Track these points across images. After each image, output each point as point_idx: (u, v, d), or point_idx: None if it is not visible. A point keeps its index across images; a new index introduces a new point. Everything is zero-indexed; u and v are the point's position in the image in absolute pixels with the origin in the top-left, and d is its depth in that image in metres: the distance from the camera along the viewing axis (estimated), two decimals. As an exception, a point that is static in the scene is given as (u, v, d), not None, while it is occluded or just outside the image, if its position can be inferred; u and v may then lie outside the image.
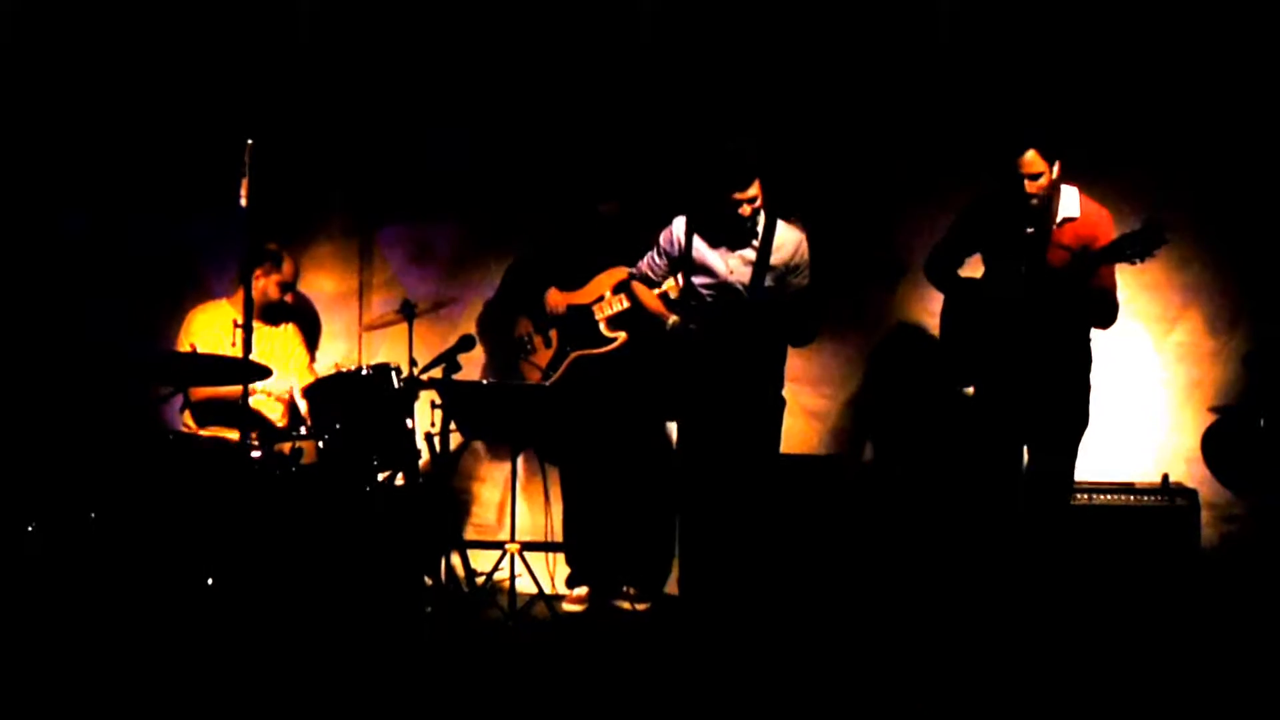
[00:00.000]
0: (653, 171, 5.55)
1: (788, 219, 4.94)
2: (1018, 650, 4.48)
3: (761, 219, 4.91)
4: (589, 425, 5.42)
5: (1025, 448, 4.75)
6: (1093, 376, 4.71)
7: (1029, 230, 4.62)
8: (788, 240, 4.92)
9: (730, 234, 4.91)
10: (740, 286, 4.93)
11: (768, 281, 4.90)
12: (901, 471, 5.52)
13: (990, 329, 4.68)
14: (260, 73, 5.88)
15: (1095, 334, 4.72)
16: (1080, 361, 4.68)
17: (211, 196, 5.00)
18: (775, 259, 4.90)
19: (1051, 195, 4.58)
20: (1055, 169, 4.54)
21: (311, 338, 5.83)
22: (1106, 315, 4.65)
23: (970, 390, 4.88)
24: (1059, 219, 4.60)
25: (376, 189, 6.02)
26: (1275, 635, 4.76)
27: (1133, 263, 4.37)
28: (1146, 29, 5.46)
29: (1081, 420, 4.66)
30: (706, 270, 4.97)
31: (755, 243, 4.92)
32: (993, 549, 4.72)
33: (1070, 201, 4.61)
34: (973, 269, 4.96)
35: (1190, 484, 5.19)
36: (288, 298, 5.42)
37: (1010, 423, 4.67)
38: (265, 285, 5.27)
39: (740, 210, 4.81)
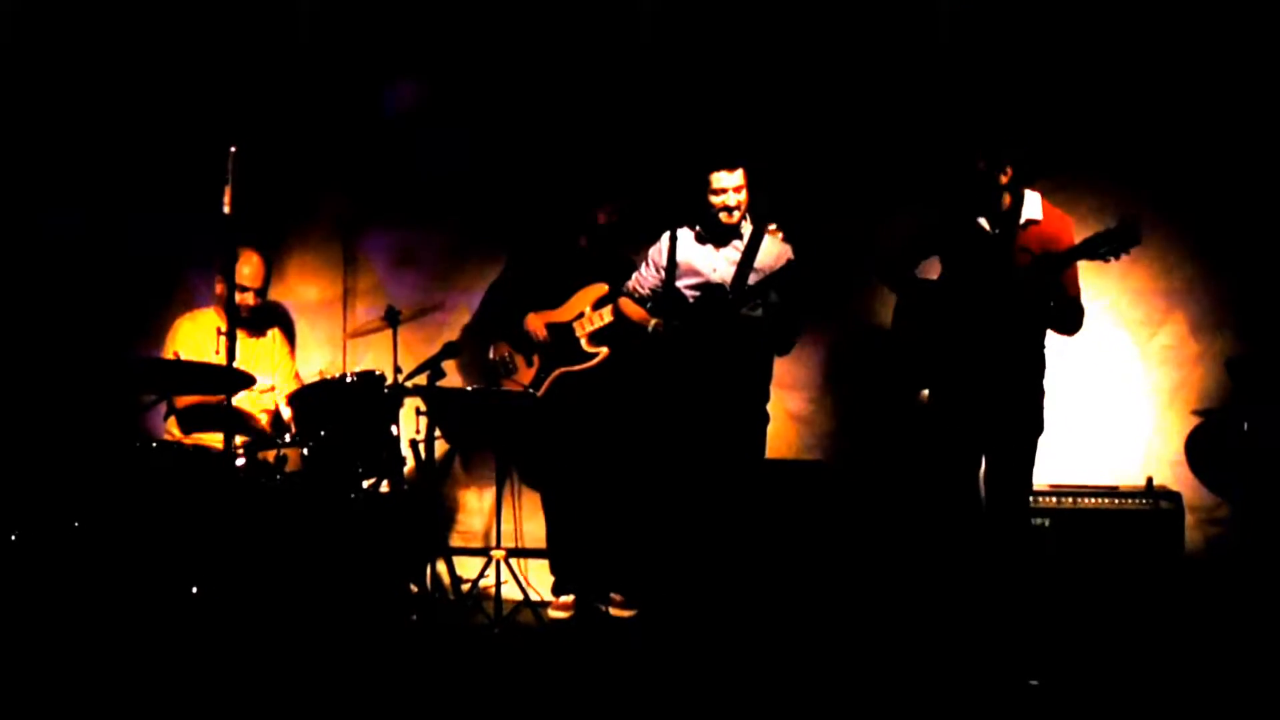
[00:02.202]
0: (644, 179, 5.55)
1: (771, 226, 4.95)
2: (1003, 653, 4.48)
3: (748, 226, 4.92)
4: (573, 435, 5.41)
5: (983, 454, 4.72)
6: (1047, 382, 4.65)
7: (994, 231, 4.60)
8: (774, 249, 4.93)
9: (714, 232, 4.92)
10: (724, 284, 4.93)
11: (751, 279, 4.90)
12: (881, 476, 5.52)
13: (948, 331, 4.66)
14: (247, 78, 5.87)
15: (1076, 340, 4.71)
16: (1035, 366, 4.64)
17: (198, 202, 4.96)
18: (760, 261, 4.90)
19: (1018, 196, 4.59)
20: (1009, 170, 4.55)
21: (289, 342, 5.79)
22: (1074, 320, 4.62)
23: (925, 394, 4.86)
24: (1022, 221, 4.60)
25: (361, 194, 6.00)
26: (1259, 638, 4.77)
27: (1106, 260, 4.35)
28: (1135, 37, 5.48)
29: (1036, 426, 4.63)
30: (693, 272, 4.97)
31: (739, 244, 4.93)
32: (959, 554, 4.71)
33: (1033, 205, 4.61)
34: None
35: (1175, 487, 5.19)
36: (246, 299, 5.20)
37: (966, 427, 4.66)
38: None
39: (725, 200, 4.82)
